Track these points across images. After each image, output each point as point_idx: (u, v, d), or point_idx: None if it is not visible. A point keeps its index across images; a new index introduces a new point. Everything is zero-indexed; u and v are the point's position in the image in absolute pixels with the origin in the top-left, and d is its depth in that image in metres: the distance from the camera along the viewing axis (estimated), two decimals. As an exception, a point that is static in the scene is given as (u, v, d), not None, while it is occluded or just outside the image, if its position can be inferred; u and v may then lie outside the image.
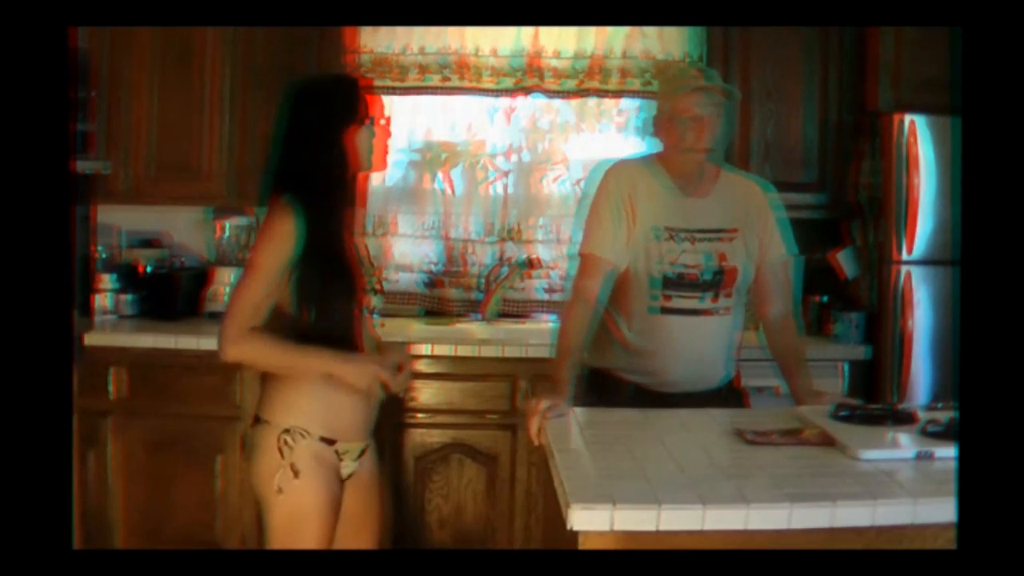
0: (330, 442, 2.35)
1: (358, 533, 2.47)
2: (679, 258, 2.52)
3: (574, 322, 2.53)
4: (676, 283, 2.53)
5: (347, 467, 2.40)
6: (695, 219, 2.57)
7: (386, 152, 2.45)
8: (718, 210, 2.60)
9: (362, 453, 2.43)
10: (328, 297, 2.32)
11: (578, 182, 4.07)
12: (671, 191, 2.59)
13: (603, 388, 2.59)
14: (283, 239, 2.30)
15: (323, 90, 2.43)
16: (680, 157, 2.56)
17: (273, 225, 2.32)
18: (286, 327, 2.31)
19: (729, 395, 2.66)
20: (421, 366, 3.45)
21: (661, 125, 2.58)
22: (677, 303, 2.53)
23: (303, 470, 2.32)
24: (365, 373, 2.33)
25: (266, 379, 2.40)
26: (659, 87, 2.64)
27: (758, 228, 2.64)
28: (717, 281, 2.56)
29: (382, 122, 2.42)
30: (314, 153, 2.33)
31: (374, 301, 2.44)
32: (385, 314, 3.58)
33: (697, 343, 2.56)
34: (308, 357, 2.31)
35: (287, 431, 2.32)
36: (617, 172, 2.64)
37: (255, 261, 2.34)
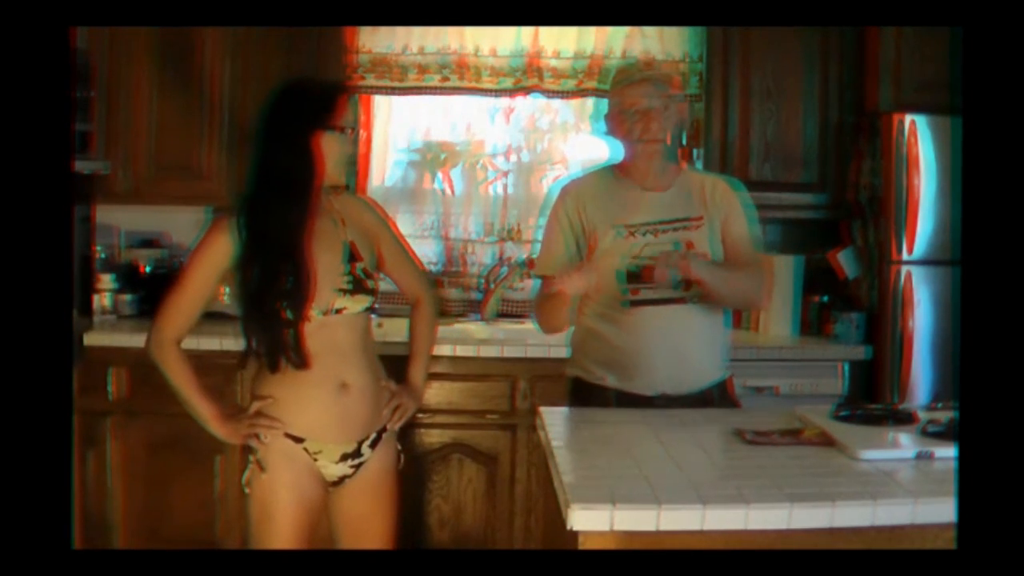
0: (297, 440, 2.33)
1: (359, 540, 2.45)
2: (642, 251, 2.53)
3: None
4: (640, 276, 2.54)
5: (329, 469, 2.37)
6: (656, 212, 2.60)
7: (347, 164, 2.39)
8: (679, 201, 2.62)
9: (351, 458, 2.38)
10: (261, 301, 2.28)
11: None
12: (629, 190, 2.62)
13: (586, 399, 2.60)
14: (211, 248, 2.32)
15: (294, 93, 2.37)
16: (634, 150, 2.60)
17: (206, 234, 2.35)
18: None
19: (720, 403, 2.61)
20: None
21: (613, 121, 2.64)
22: (647, 294, 2.54)
23: (268, 466, 2.33)
24: (227, 436, 2.38)
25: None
26: (609, 84, 2.69)
27: (724, 214, 2.64)
28: None
29: (348, 132, 2.34)
30: (274, 155, 2.30)
31: (342, 302, 2.32)
32: (384, 314, 3.59)
33: (675, 333, 2.55)
34: (190, 400, 2.36)
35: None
36: (566, 190, 2.71)
37: (183, 269, 2.41)
